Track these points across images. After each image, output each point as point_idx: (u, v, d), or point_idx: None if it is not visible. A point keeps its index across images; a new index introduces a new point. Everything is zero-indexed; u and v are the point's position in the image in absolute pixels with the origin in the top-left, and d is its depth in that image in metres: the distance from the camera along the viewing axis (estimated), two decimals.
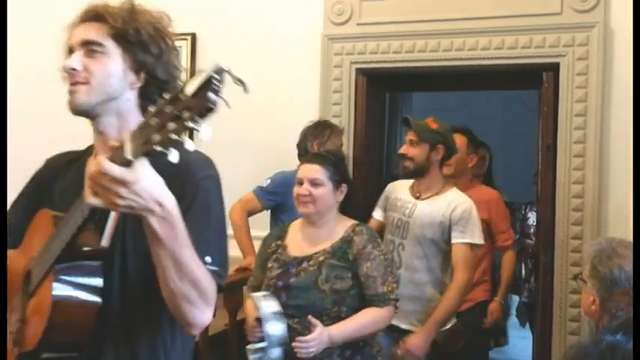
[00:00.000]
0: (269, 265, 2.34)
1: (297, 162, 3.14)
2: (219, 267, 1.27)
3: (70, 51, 1.31)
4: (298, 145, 3.15)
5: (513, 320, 5.48)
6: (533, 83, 3.46)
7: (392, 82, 3.83)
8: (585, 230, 3.17)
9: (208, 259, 1.24)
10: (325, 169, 2.33)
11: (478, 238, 2.74)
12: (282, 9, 3.66)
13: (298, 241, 2.37)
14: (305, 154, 3.09)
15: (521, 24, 3.26)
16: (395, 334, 2.72)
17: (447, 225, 2.71)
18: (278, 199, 3.05)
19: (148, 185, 1.05)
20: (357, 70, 3.54)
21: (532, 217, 4.13)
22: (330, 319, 2.19)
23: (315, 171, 2.33)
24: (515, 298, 5.27)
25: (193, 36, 3.78)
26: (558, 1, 3.20)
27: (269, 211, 3.16)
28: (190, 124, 0.95)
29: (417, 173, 2.81)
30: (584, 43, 3.17)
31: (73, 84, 1.28)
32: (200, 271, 1.20)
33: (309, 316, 2.16)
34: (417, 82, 3.99)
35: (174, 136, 0.95)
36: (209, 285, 1.22)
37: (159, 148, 0.96)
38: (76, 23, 1.34)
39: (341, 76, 3.53)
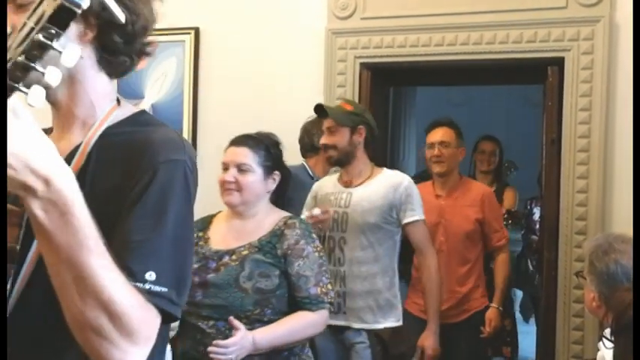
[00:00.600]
0: None
1: (301, 157, 3.15)
2: (168, 288, 0.93)
3: None
4: (301, 140, 3.14)
5: (517, 316, 5.49)
6: (537, 78, 3.44)
7: (396, 76, 3.82)
8: (589, 225, 3.16)
9: (151, 275, 0.91)
10: (255, 154, 2.08)
11: (423, 214, 2.67)
12: (286, 3, 3.65)
13: (222, 234, 2.11)
14: (311, 149, 3.08)
15: (526, 18, 3.24)
16: (344, 335, 2.62)
17: (391, 206, 2.60)
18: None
19: (20, 148, 0.72)
20: (361, 64, 3.52)
21: (537, 213, 4.11)
22: (250, 322, 1.93)
23: (243, 155, 2.08)
24: (519, 294, 5.27)
25: (197, 30, 3.78)
26: None
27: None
28: (42, 38, 0.69)
29: (344, 160, 2.69)
30: (590, 38, 3.15)
31: None
32: (121, 291, 0.85)
33: (231, 318, 1.88)
34: (421, 76, 3.97)
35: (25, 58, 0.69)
36: (139, 313, 0.87)
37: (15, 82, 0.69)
38: None
39: (345, 70, 3.52)
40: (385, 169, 2.76)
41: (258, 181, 2.07)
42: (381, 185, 2.63)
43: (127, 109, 1.11)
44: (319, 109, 2.71)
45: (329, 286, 2.05)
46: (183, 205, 0.99)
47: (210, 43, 3.77)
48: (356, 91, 3.53)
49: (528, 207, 4.42)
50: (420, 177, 3.67)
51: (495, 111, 7.06)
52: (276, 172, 2.12)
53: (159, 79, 3.86)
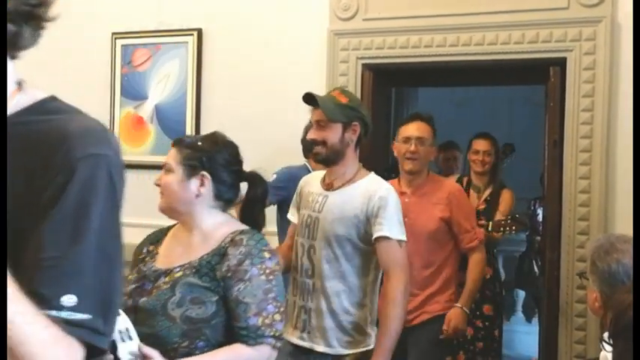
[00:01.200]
0: (129, 277, 1.82)
1: (303, 157, 3.16)
2: (92, 314, 0.76)
3: None
4: (303, 141, 3.15)
5: (520, 316, 5.50)
6: (539, 78, 3.45)
7: (398, 77, 3.83)
8: (592, 226, 3.16)
9: (70, 299, 0.75)
10: (178, 152, 1.83)
11: (399, 234, 2.26)
12: (288, 4, 3.66)
13: (171, 249, 1.85)
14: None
15: (528, 19, 3.24)
16: (309, 358, 2.30)
17: (364, 218, 2.25)
18: (284, 194, 3.06)
19: None
20: (364, 65, 3.53)
21: (541, 213, 4.06)
22: (178, 355, 1.64)
23: (169, 154, 1.86)
24: (522, 294, 5.27)
25: (199, 31, 3.79)
26: None
27: (275, 206, 3.17)
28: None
29: (332, 160, 2.33)
30: (592, 38, 3.16)
31: None
32: (28, 326, 0.70)
33: (140, 344, 1.55)
34: (423, 77, 3.98)
35: None
36: (52, 351, 0.72)
37: None
38: None
39: (347, 71, 3.53)
40: (372, 174, 2.40)
41: (176, 182, 1.79)
42: (358, 193, 2.29)
43: (32, 95, 0.90)
44: (309, 97, 2.34)
45: (276, 317, 1.69)
46: (109, 209, 0.81)
47: (213, 44, 3.78)
48: (358, 91, 3.53)
49: (532, 207, 4.42)
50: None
51: (497, 111, 7.06)
52: (204, 173, 1.80)
53: (162, 80, 3.88)
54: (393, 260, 2.24)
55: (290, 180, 2.92)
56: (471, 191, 3.68)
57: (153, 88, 3.91)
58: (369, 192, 2.28)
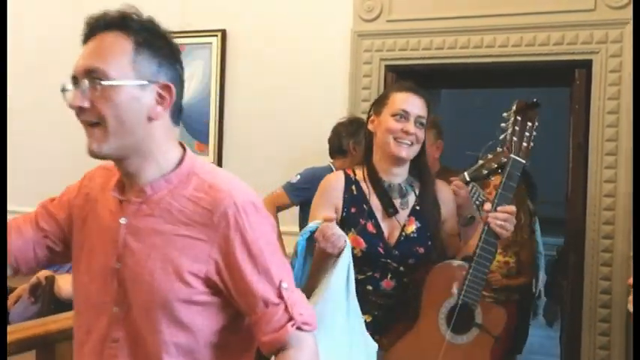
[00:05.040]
0: None
1: (328, 157, 3.17)
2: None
3: None
4: (330, 141, 3.15)
5: (540, 320, 5.44)
6: (564, 80, 3.42)
7: (421, 78, 3.79)
8: (617, 230, 3.13)
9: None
10: None
11: None
12: (312, 5, 3.67)
13: None
14: (339, 151, 3.10)
15: (554, 20, 3.22)
16: None
17: None
18: (307, 195, 3.06)
19: None
20: (387, 66, 3.53)
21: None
22: None
23: None
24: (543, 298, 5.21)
25: (223, 32, 3.82)
26: None
27: (299, 206, 3.17)
28: None
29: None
30: (618, 40, 3.13)
31: None
32: None
33: None
34: (447, 79, 3.96)
35: None
36: None
37: None
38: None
39: (370, 72, 3.53)
40: None
41: None
42: None
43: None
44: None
45: None
46: None
47: (237, 45, 3.80)
48: (381, 92, 3.53)
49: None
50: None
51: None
52: None
53: (186, 80, 3.88)
54: None
55: (313, 181, 2.92)
56: None
57: None
58: None
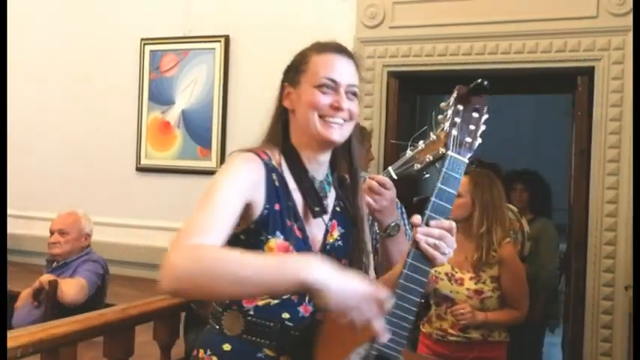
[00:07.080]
0: None
1: None
2: None
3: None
4: None
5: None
6: (566, 87, 3.43)
7: (423, 84, 3.83)
8: (619, 236, 3.13)
9: None
10: None
11: None
12: (315, 12, 3.68)
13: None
14: None
15: (556, 27, 3.23)
16: None
17: None
18: None
19: None
20: (389, 72, 3.55)
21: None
22: None
23: None
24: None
25: (227, 38, 3.83)
26: (594, 4, 3.17)
27: None
28: None
29: None
30: (621, 47, 3.13)
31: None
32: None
33: None
34: (449, 85, 3.94)
35: None
36: None
37: None
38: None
39: (373, 78, 3.55)
40: None
41: None
42: None
43: None
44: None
45: None
46: None
47: (240, 50, 3.82)
48: (383, 99, 3.55)
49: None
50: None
51: (522, 120, 7.01)
52: None
53: (189, 85, 3.92)
54: None
55: None
56: None
57: (180, 93, 3.96)
58: None
